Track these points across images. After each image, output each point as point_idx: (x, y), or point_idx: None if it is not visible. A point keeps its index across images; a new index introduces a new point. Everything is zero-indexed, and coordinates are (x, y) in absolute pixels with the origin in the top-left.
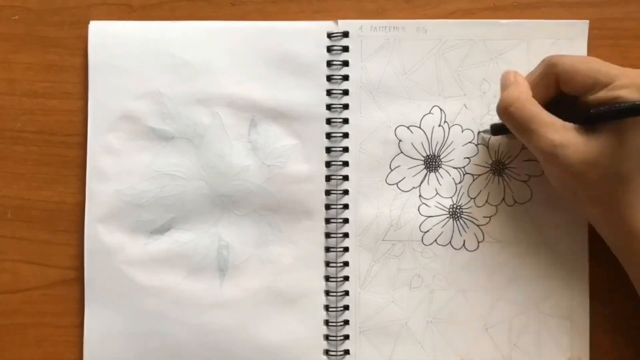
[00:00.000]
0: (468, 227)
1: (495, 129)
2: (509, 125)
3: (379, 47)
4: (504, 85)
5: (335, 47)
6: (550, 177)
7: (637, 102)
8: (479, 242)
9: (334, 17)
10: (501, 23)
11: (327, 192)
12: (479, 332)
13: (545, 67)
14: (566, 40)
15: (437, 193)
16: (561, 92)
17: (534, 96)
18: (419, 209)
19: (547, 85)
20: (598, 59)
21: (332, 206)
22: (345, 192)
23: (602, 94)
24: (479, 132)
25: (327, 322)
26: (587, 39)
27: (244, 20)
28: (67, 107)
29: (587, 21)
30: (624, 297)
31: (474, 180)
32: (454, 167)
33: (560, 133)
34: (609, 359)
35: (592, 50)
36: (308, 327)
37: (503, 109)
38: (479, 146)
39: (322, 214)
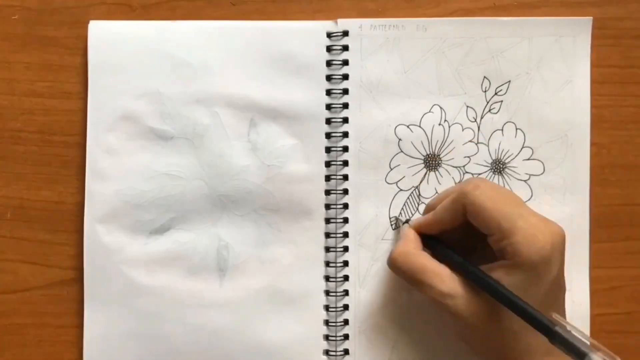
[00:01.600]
0: None
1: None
2: (402, 278)
3: (378, 46)
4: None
5: (335, 47)
6: (447, 321)
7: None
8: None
9: (334, 16)
10: (502, 21)
11: (327, 192)
12: None
13: (458, 194)
14: (569, 38)
15: (436, 192)
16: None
17: (442, 219)
18: (418, 208)
19: (454, 212)
20: (516, 201)
21: (332, 206)
22: (345, 191)
23: (502, 244)
24: (396, 218)
25: (327, 322)
26: (591, 36)
27: (243, 20)
28: (67, 107)
29: (591, 18)
30: (624, 297)
31: None
32: (454, 166)
33: (448, 284)
34: None
35: (592, 49)
36: (308, 327)
37: (391, 265)
38: (479, 145)
39: (322, 213)
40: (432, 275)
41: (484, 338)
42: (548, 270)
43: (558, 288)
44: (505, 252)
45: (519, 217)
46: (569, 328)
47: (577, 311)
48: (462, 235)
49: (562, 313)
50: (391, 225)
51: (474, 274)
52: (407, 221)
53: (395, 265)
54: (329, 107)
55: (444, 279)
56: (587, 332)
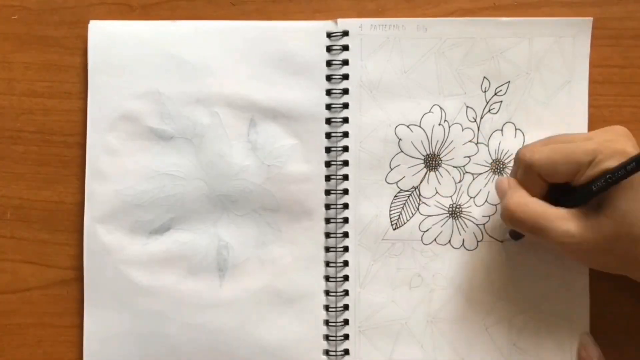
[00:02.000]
0: (467, 227)
1: (515, 234)
2: (520, 229)
3: (379, 46)
4: (500, 192)
5: (335, 47)
6: (578, 260)
7: (629, 164)
8: (478, 241)
9: (334, 16)
10: (502, 21)
11: (327, 192)
12: (479, 332)
13: (524, 169)
14: (569, 38)
15: (436, 192)
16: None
17: (528, 187)
18: (418, 208)
19: (532, 183)
20: (563, 135)
21: (332, 206)
22: (345, 191)
23: (590, 172)
24: (502, 241)
25: (327, 322)
26: (590, 36)
27: (243, 20)
28: (67, 107)
29: (591, 18)
30: (624, 297)
31: (473, 179)
32: (453, 166)
33: (572, 221)
34: None
35: (593, 49)
36: (308, 327)
37: (509, 217)
38: (479, 145)
39: (322, 213)
40: (555, 218)
41: (619, 256)
42: None
43: None
44: (597, 175)
45: (586, 143)
46: None
47: (577, 311)
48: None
49: None
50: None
51: (594, 183)
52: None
53: (514, 217)
54: (329, 107)
55: (566, 218)
56: (587, 332)
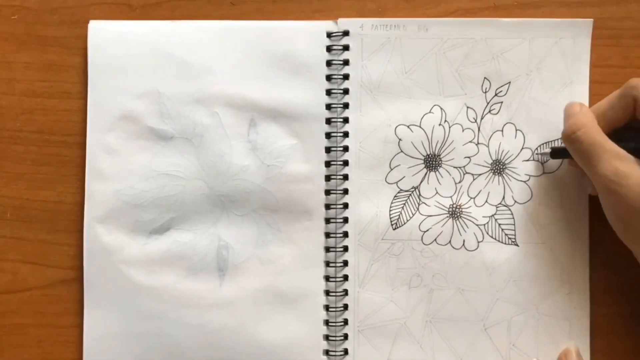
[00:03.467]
0: (468, 227)
1: (555, 153)
2: (573, 150)
3: (379, 46)
4: (569, 114)
5: (335, 47)
6: (605, 206)
7: None
8: (478, 241)
9: (335, 16)
10: (503, 22)
11: (327, 192)
12: (478, 332)
13: (625, 88)
14: (569, 39)
15: (436, 192)
16: (635, 121)
17: (608, 119)
18: (418, 208)
19: (623, 108)
20: None
21: (332, 206)
22: (345, 191)
23: None
24: (536, 152)
25: (327, 322)
26: (591, 38)
27: (243, 20)
28: (67, 107)
29: (591, 20)
30: (624, 297)
31: (474, 179)
32: (454, 167)
33: (625, 163)
34: None
35: (592, 49)
36: (308, 327)
37: (570, 133)
38: (479, 145)
39: (322, 213)
40: (611, 152)
41: None
42: None
43: None
44: None
45: None
46: None
47: (576, 311)
48: None
49: None
50: (541, 156)
51: None
52: (563, 150)
53: (574, 135)
54: (329, 107)
55: (622, 158)
56: (587, 332)
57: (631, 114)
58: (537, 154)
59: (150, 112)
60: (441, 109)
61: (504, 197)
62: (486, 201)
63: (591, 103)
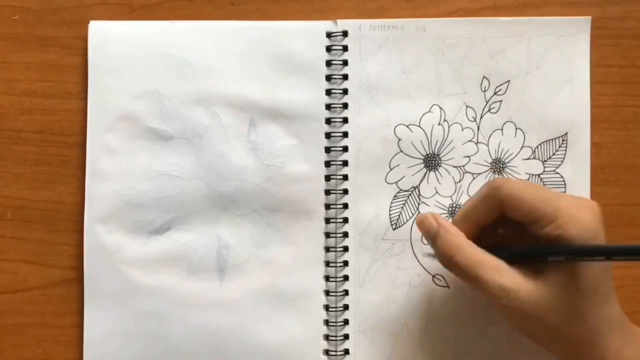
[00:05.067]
0: None
1: None
2: (455, 274)
3: (378, 47)
4: (429, 232)
5: (334, 47)
6: (507, 318)
7: (559, 248)
8: None
9: (334, 16)
10: (502, 20)
11: (327, 192)
12: (479, 332)
13: (489, 189)
14: (568, 37)
15: (436, 192)
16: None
17: (474, 219)
18: (418, 208)
19: (489, 208)
20: (544, 187)
21: (332, 206)
22: (345, 191)
23: (548, 230)
24: (423, 255)
25: (327, 322)
26: (590, 35)
27: (243, 20)
28: (67, 107)
29: (590, 17)
30: (624, 297)
31: (473, 179)
32: (453, 166)
33: (509, 277)
34: None
35: (593, 49)
36: (308, 327)
37: (447, 261)
38: (479, 145)
39: (322, 213)
40: (490, 269)
41: (548, 327)
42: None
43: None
44: (552, 238)
45: (557, 200)
46: None
47: None
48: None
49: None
50: (421, 260)
51: (543, 250)
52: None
53: (452, 262)
54: (328, 107)
55: (503, 272)
56: None
57: (498, 213)
58: (423, 254)
59: (150, 112)
60: (440, 108)
61: None
62: None
63: (592, 103)
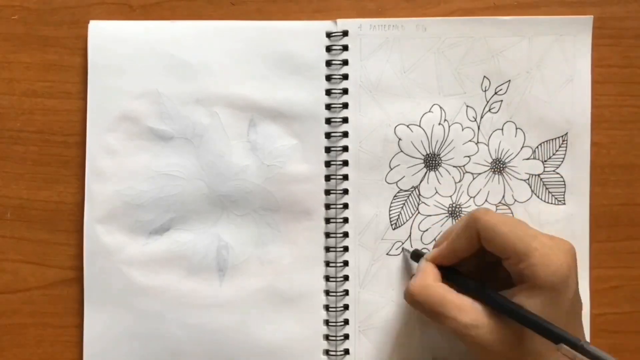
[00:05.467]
0: None
1: (415, 255)
2: (420, 311)
3: (378, 46)
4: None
5: (334, 47)
6: (470, 351)
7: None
8: None
9: (334, 16)
10: (502, 20)
11: (327, 192)
12: None
13: (468, 219)
14: (569, 37)
15: (436, 192)
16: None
17: (455, 247)
18: (418, 208)
19: (468, 239)
20: (524, 223)
21: (332, 206)
22: (345, 191)
23: (520, 267)
24: (402, 248)
25: (327, 322)
26: (592, 35)
27: (243, 20)
28: (67, 107)
29: (591, 17)
30: (624, 297)
31: (473, 178)
32: (453, 166)
33: (471, 314)
34: None
35: (593, 49)
36: (308, 327)
37: (410, 298)
38: (479, 144)
39: (322, 213)
40: (453, 306)
41: None
42: (566, 288)
43: (577, 303)
44: (523, 275)
45: (532, 239)
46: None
47: None
48: (477, 265)
49: (582, 328)
50: (404, 252)
51: (497, 300)
52: (420, 255)
53: (413, 299)
54: (328, 107)
55: (465, 309)
56: (588, 332)
57: (476, 246)
58: (403, 249)
59: (150, 112)
60: (441, 108)
61: (504, 196)
62: (486, 200)
63: (592, 103)
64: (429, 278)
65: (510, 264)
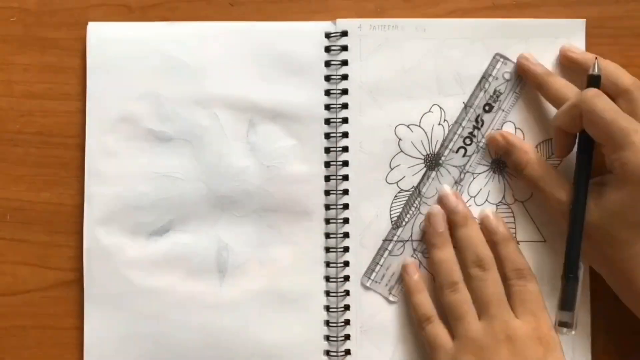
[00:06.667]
0: None
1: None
2: (524, 184)
3: (377, 46)
4: (497, 151)
5: (333, 47)
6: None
7: None
8: None
9: (334, 16)
10: (500, 22)
11: (327, 192)
12: None
13: (577, 99)
14: (564, 39)
15: (437, 191)
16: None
17: (562, 123)
18: (419, 208)
19: (572, 117)
20: (628, 116)
21: (332, 206)
22: (345, 191)
23: (613, 157)
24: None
25: (327, 323)
26: (585, 37)
27: (242, 21)
28: (66, 109)
29: (584, 20)
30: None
31: (474, 178)
32: (454, 166)
33: (569, 193)
34: None
35: (591, 49)
36: (308, 328)
37: (518, 173)
38: (479, 144)
39: (322, 214)
40: (552, 185)
41: (595, 247)
42: None
43: None
44: (614, 167)
45: (634, 132)
46: None
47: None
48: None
49: None
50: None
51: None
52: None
53: (522, 174)
54: (328, 107)
55: (565, 188)
56: (588, 331)
57: (579, 126)
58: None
59: (149, 114)
60: (440, 108)
61: (504, 196)
62: (486, 200)
63: None
64: (528, 153)
65: (606, 151)
